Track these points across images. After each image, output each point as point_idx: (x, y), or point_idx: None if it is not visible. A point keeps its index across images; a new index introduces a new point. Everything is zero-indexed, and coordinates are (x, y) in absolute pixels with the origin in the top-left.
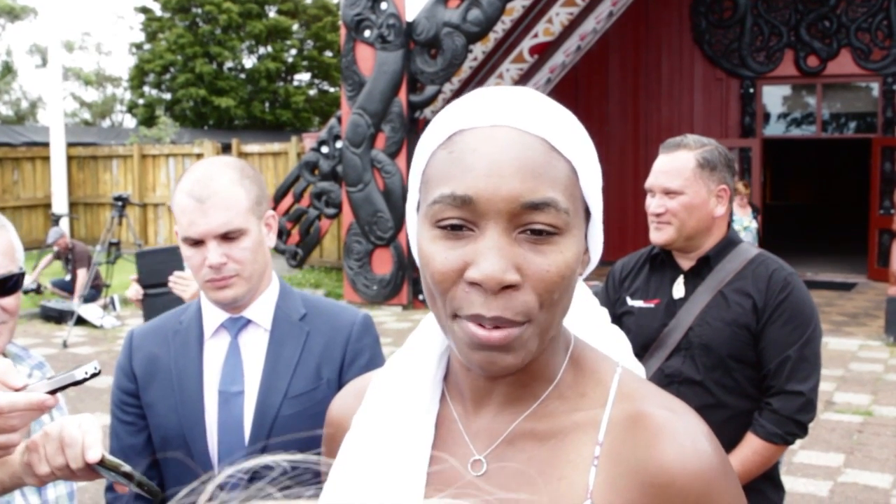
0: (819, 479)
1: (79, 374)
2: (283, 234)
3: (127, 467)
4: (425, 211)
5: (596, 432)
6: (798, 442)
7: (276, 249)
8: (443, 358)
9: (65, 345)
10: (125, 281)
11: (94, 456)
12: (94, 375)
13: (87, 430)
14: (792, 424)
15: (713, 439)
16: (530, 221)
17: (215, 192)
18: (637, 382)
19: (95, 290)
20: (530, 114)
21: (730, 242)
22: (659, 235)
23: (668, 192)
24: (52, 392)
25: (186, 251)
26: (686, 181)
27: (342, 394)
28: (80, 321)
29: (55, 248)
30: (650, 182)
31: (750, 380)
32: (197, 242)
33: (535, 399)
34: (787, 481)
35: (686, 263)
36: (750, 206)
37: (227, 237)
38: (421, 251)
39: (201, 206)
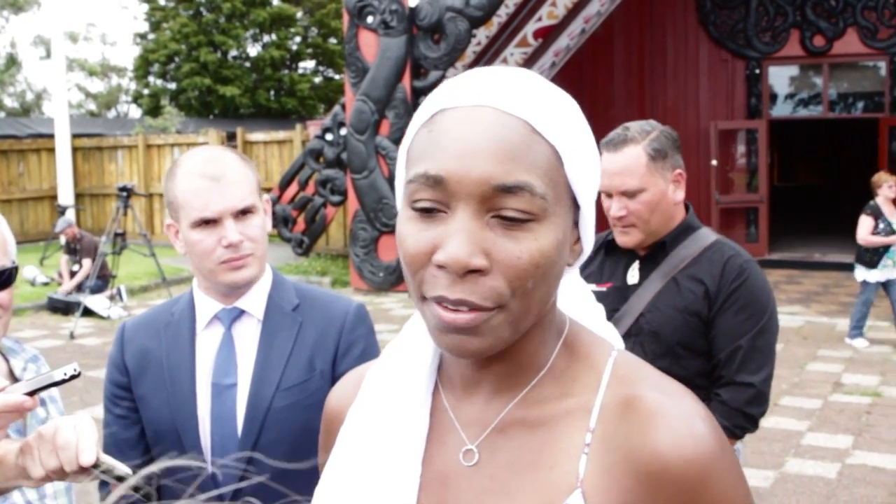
0: (827, 462)
1: (57, 376)
2: (288, 222)
3: (121, 470)
4: (404, 190)
5: (587, 419)
6: (806, 424)
7: (282, 237)
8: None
9: (72, 336)
10: (132, 272)
11: (88, 459)
12: (73, 377)
13: (82, 432)
14: (741, 417)
15: (710, 422)
16: (502, 206)
17: (228, 169)
18: (632, 365)
19: (102, 281)
20: (514, 94)
21: (688, 227)
22: (627, 239)
23: (626, 193)
24: (31, 393)
25: (197, 235)
26: (643, 178)
27: (340, 384)
28: (87, 312)
29: (63, 239)
30: (605, 185)
31: (698, 370)
32: (210, 223)
33: (525, 386)
34: (795, 464)
35: (642, 249)
36: None
37: (241, 214)
38: (397, 231)
39: (217, 184)
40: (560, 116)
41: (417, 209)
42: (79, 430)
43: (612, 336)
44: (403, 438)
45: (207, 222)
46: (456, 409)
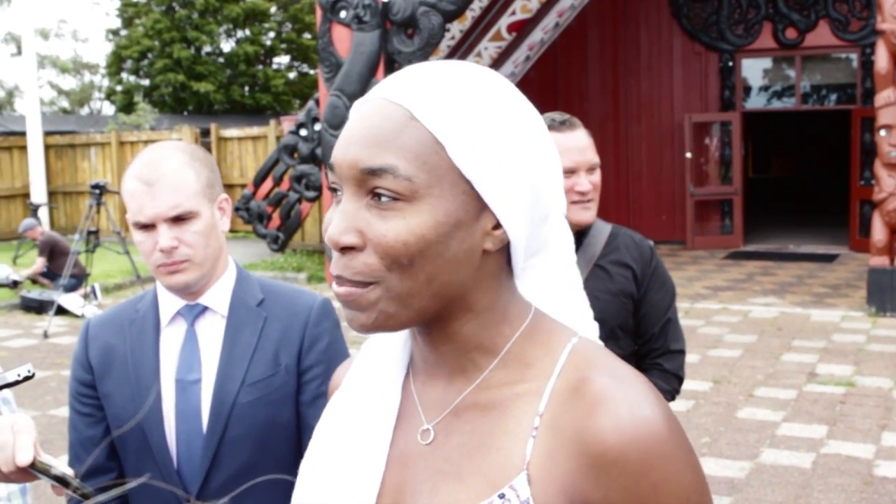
0: (802, 451)
1: (10, 377)
2: (263, 218)
3: (58, 471)
4: None
5: (538, 403)
6: (781, 414)
7: (258, 234)
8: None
9: (45, 335)
10: (106, 269)
11: (24, 459)
12: (26, 378)
13: (20, 432)
14: (676, 381)
15: (660, 406)
16: (374, 186)
17: (164, 174)
18: (591, 351)
19: (76, 280)
20: (400, 84)
21: None
22: (588, 215)
23: (592, 168)
24: None
25: (138, 236)
26: (596, 155)
27: (344, 363)
28: (61, 311)
29: (33, 240)
30: (577, 161)
31: (630, 349)
32: (147, 227)
33: (481, 371)
34: (770, 454)
35: None
36: None
37: (177, 220)
38: None
39: (150, 190)
40: (445, 104)
41: (333, 190)
42: (16, 431)
43: (592, 333)
44: (374, 420)
45: (144, 226)
46: (420, 391)
